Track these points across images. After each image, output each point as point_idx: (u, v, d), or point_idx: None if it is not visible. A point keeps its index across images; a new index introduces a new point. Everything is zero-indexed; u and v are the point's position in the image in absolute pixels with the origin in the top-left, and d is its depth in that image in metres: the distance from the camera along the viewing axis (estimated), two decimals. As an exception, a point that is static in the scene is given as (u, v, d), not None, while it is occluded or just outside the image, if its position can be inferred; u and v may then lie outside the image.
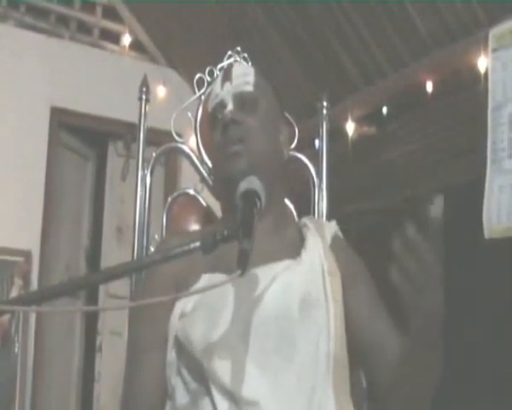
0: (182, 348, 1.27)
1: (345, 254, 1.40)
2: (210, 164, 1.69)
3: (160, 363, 1.29)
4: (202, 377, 1.23)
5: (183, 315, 1.27)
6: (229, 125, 1.34)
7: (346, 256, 1.39)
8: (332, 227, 1.45)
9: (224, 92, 1.39)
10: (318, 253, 1.35)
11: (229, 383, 1.19)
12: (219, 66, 1.81)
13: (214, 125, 1.40)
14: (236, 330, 1.23)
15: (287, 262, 1.31)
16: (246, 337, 1.23)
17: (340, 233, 1.47)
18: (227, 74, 1.44)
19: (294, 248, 1.36)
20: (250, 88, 1.39)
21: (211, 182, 1.73)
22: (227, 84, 1.40)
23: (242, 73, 1.42)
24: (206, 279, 1.27)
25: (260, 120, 1.37)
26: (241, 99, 1.38)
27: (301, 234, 1.40)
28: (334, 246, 1.39)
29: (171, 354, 1.28)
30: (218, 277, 1.25)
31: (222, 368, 1.20)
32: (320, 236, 1.39)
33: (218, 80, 1.45)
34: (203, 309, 1.25)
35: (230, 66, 1.48)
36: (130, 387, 1.32)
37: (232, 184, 1.25)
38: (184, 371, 1.27)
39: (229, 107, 1.37)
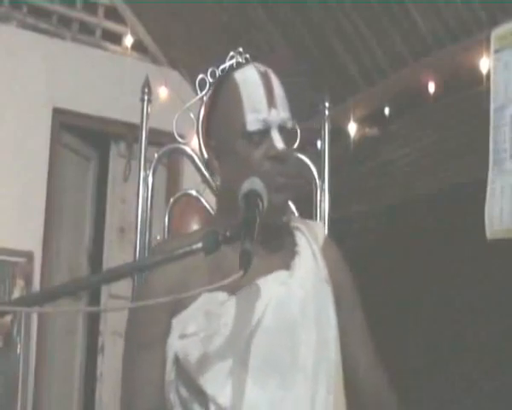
0: (181, 368, 1.29)
1: (335, 260, 1.45)
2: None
3: (156, 364, 1.32)
4: (200, 395, 1.26)
5: (183, 336, 1.29)
6: (276, 161, 1.34)
7: (335, 264, 1.44)
8: (322, 228, 1.52)
9: (271, 120, 1.35)
10: (312, 258, 1.39)
11: (228, 403, 1.23)
12: (221, 67, 1.81)
13: (252, 143, 1.36)
14: (237, 350, 1.26)
15: (283, 274, 1.35)
16: (246, 356, 1.26)
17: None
18: (270, 94, 1.36)
19: (288, 252, 1.39)
20: (291, 124, 1.39)
21: (216, 182, 1.68)
22: (273, 112, 1.35)
23: (283, 101, 1.38)
24: (205, 297, 1.29)
25: (294, 152, 1.44)
26: (283, 132, 1.36)
27: (293, 237, 1.43)
28: (326, 250, 1.44)
29: (171, 375, 1.31)
30: (220, 295, 1.28)
31: (221, 388, 1.24)
32: (312, 238, 1.43)
33: (261, 97, 1.36)
34: (204, 331, 1.28)
35: (268, 77, 1.38)
36: (128, 386, 1.35)
37: (267, 213, 1.25)
38: (182, 390, 1.30)
39: (278, 140, 1.34)
